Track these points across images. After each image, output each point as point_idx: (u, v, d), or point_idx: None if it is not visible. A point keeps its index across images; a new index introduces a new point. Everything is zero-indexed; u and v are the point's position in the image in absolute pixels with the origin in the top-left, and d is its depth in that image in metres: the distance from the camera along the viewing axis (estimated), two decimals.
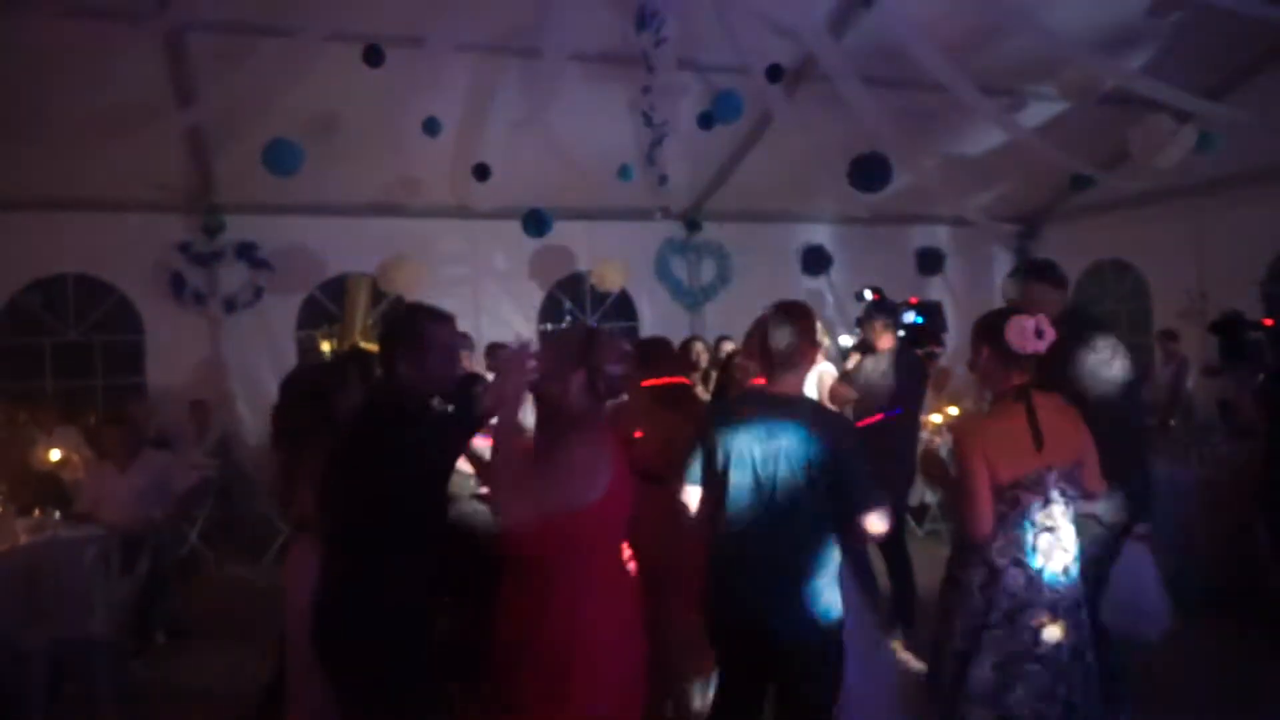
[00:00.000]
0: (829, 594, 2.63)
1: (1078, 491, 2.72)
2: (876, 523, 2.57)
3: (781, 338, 2.70)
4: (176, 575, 5.74)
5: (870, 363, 4.84)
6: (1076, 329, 3.29)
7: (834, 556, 2.64)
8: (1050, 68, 6.92)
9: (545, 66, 6.40)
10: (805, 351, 2.73)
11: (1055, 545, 2.66)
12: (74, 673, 4.21)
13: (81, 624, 4.10)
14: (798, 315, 2.76)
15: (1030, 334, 2.61)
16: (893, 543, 4.98)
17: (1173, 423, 6.71)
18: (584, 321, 9.29)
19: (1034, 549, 2.63)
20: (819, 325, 5.20)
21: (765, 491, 2.62)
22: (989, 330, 2.72)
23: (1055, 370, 2.93)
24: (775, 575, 2.62)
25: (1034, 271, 3.71)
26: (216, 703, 4.39)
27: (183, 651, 5.17)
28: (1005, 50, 6.83)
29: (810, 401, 2.76)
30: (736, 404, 3.15)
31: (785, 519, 2.60)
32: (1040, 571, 2.63)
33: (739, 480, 2.66)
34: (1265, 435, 4.68)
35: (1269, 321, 5.39)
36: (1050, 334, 2.64)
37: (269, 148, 6.23)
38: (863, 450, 2.62)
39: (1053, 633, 2.61)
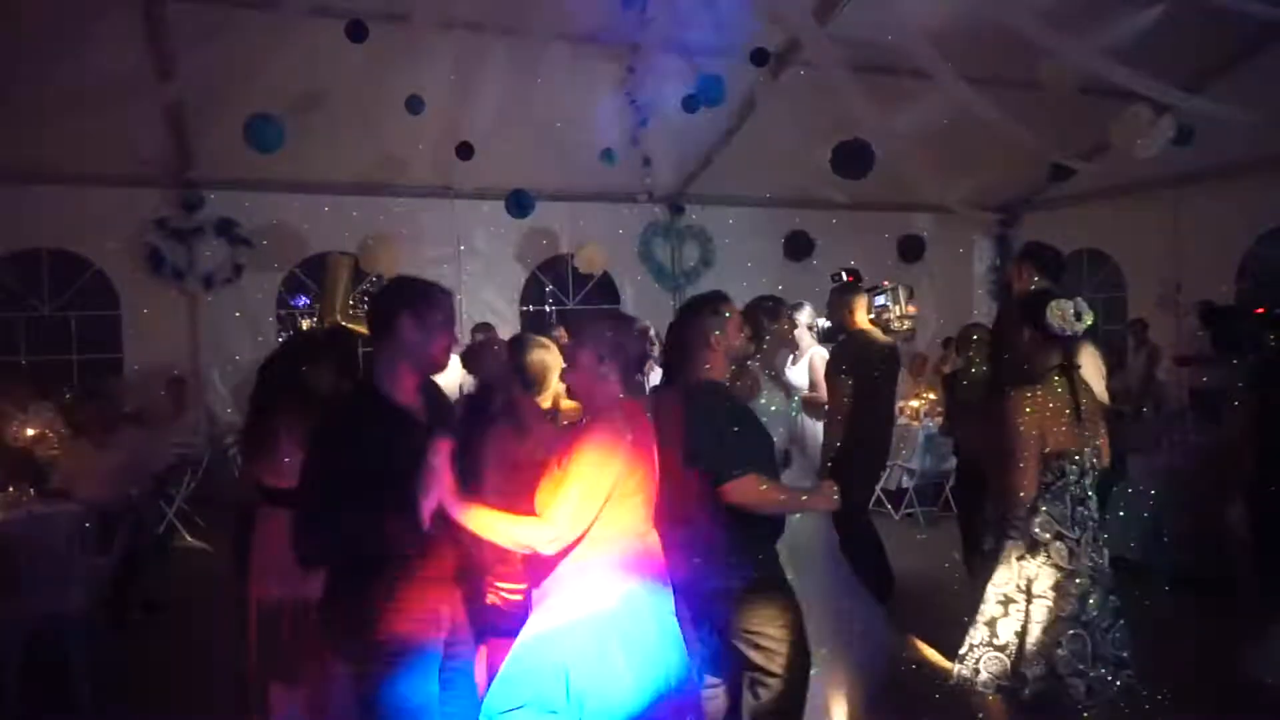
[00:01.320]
0: (729, 558, 2.70)
1: (1100, 465, 2.89)
2: (734, 493, 2.64)
3: (679, 330, 2.91)
4: (153, 552, 5.70)
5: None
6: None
7: (725, 524, 2.69)
8: (1032, 57, 6.96)
9: (530, 46, 6.36)
10: (702, 342, 2.83)
11: (1088, 516, 2.82)
12: (48, 648, 4.19)
13: (56, 600, 4.08)
14: (693, 307, 2.94)
15: (1070, 317, 2.77)
16: (853, 526, 5.02)
17: (1145, 410, 6.81)
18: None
19: (1073, 521, 2.79)
20: (802, 311, 5.25)
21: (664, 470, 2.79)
22: (1031, 312, 2.87)
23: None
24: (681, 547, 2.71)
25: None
26: (191, 679, 4.37)
27: (159, 628, 5.15)
28: (988, 39, 6.86)
29: (692, 384, 2.85)
30: None
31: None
32: (1079, 541, 2.79)
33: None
34: (1255, 422, 4.77)
35: (1261, 310, 5.47)
36: (1088, 317, 2.79)
37: (250, 123, 6.16)
38: (715, 425, 2.70)
39: (1096, 599, 2.77)
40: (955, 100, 6.67)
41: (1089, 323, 2.82)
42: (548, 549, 2.22)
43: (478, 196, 8.42)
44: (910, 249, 10.68)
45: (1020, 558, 2.82)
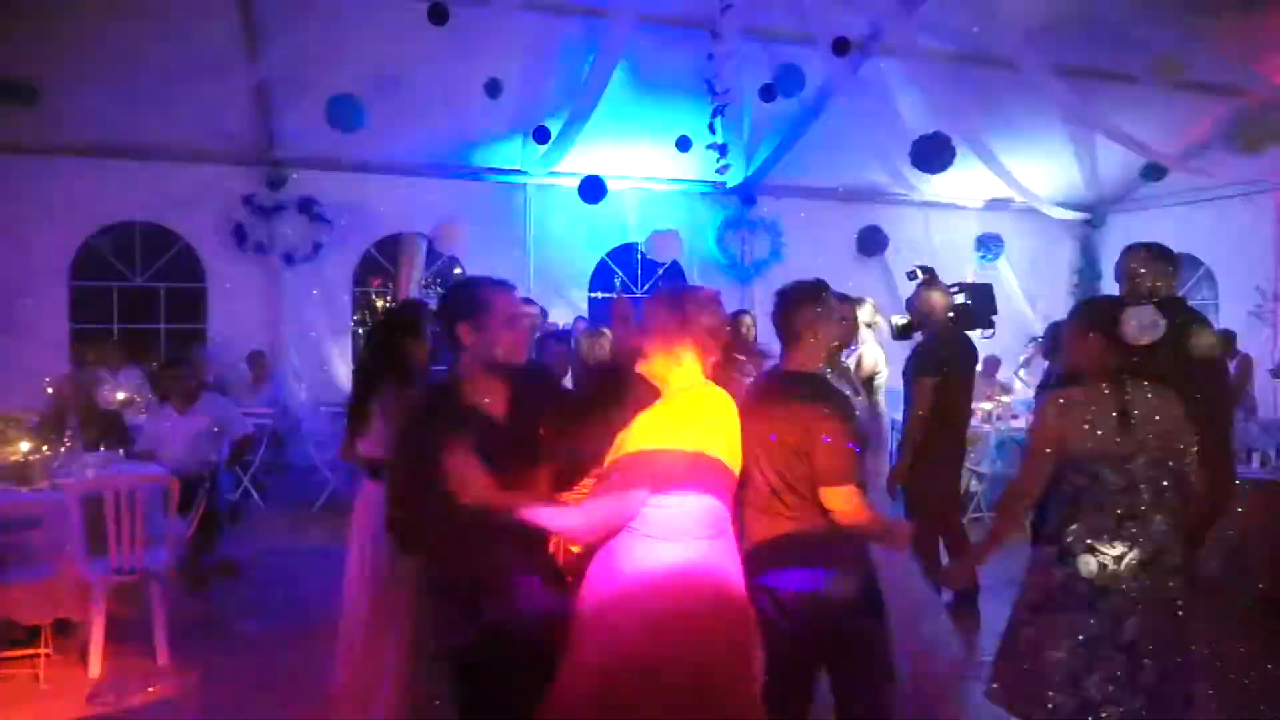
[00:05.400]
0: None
1: (1173, 481, 2.68)
2: (836, 500, 2.49)
3: (779, 317, 2.77)
4: (229, 517, 5.92)
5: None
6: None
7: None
8: (1128, 49, 6.69)
9: (609, 30, 6.36)
10: (805, 328, 2.72)
11: (1142, 533, 2.63)
12: (132, 603, 4.39)
13: (140, 557, 4.26)
14: (795, 294, 2.79)
15: (1148, 328, 2.65)
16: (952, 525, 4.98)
17: (1237, 424, 6.50)
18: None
19: (1114, 537, 2.62)
20: (862, 307, 5.16)
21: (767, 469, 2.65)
22: (1102, 318, 2.75)
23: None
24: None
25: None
26: (261, 639, 4.56)
27: (232, 589, 5.34)
28: (1080, 30, 6.60)
29: (794, 374, 2.73)
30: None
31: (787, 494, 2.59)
32: (1119, 559, 2.62)
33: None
34: None
35: None
36: (1162, 327, 2.66)
37: (333, 103, 6.31)
38: (837, 427, 2.56)
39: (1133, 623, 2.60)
40: (1044, 93, 6.46)
41: (1160, 332, 2.66)
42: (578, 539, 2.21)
43: (551, 181, 8.47)
44: (988, 247, 10.37)
45: (1050, 565, 2.69)
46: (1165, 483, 2.67)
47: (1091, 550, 2.62)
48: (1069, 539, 2.66)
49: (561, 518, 2.28)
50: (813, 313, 2.71)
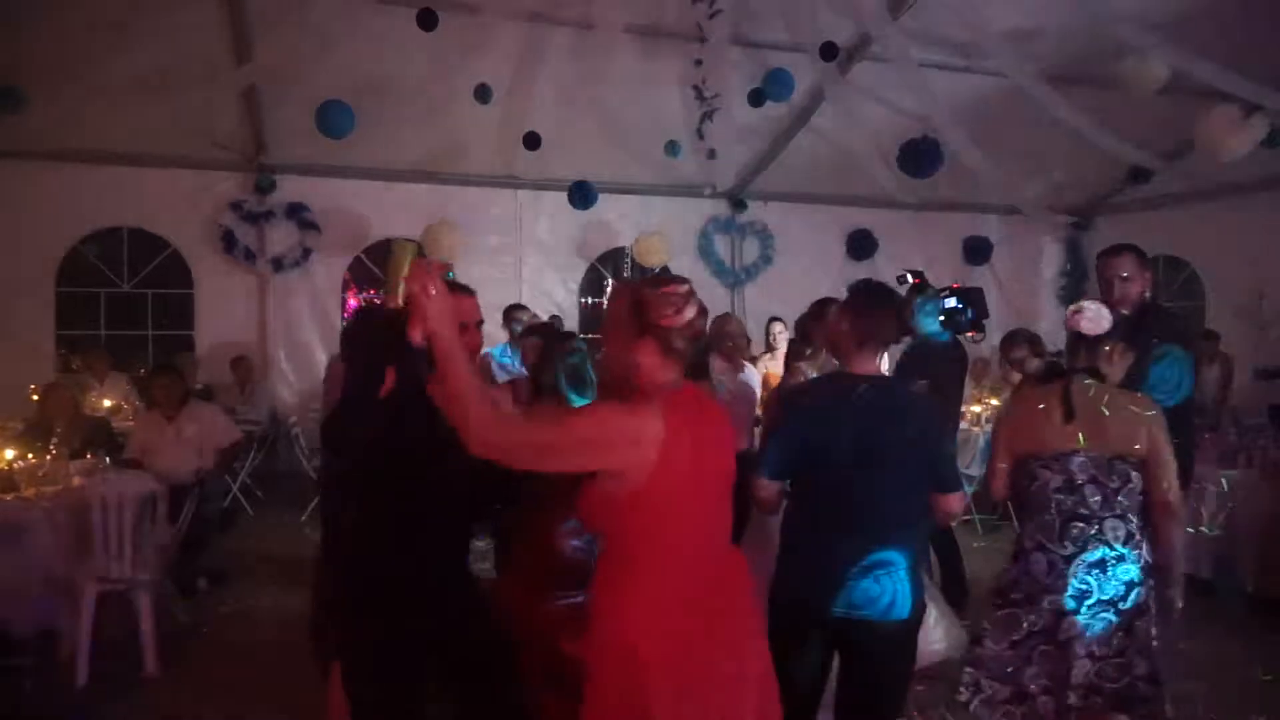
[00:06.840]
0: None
1: (1124, 486, 2.65)
2: (958, 504, 2.58)
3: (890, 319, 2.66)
4: (218, 524, 5.88)
5: None
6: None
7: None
8: (1113, 54, 6.74)
9: (597, 37, 6.37)
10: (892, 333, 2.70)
11: (1092, 538, 2.62)
12: (119, 612, 4.36)
13: (127, 566, 4.23)
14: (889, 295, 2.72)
15: (1094, 320, 2.74)
16: (938, 530, 4.98)
17: (1221, 425, 6.54)
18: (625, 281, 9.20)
19: (1062, 536, 2.65)
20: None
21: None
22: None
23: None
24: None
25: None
26: (252, 646, 4.53)
27: (222, 597, 5.32)
28: (1066, 35, 6.65)
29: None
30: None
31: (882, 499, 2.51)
32: (1070, 559, 2.63)
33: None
34: None
35: None
36: (1109, 321, 2.74)
37: (322, 109, 6.29)
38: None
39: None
40: (1029, 98, 6.49)
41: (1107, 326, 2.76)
42: (471, 442, 1.89)
43: (540, 186, 8.47)
44: (976, 251, 10.42)
45: (1010, 563, 2.78)
46: (1115, 484, 2.64)
47: (1042, 549, 2.67)
48: (1023, 539, 2.75)
49: (476, 394, 1.90)
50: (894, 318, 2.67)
